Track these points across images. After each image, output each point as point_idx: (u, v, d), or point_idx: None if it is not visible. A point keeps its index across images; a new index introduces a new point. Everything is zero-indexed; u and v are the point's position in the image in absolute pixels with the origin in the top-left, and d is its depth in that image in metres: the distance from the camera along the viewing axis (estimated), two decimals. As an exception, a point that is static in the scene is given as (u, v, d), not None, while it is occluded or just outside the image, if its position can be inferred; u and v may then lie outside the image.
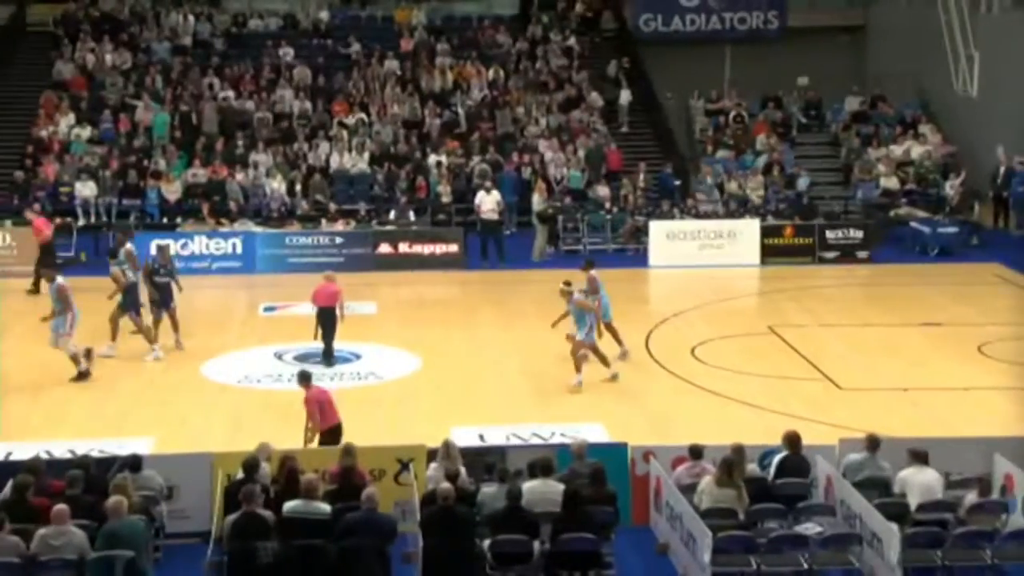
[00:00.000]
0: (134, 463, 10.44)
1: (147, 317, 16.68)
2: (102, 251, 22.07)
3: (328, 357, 16.11)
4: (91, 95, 26.80)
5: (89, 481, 10.03)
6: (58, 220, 22.84)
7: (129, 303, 16.44)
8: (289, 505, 9.66)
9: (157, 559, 10.06)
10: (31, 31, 29.21)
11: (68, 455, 12.03)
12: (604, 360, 15.20)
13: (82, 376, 15.23)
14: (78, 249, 22.26)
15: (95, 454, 11.62)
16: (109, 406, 14.50)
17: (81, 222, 23.57)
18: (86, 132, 25.61)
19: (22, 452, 12.14)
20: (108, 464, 10.78)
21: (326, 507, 9.73)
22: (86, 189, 24.07)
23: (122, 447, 12.30)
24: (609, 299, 16.07)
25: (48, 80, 27.32)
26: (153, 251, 17.74)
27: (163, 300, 16.55)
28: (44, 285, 17.09)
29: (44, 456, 11.64)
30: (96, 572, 9.03)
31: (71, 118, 25.92)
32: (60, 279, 15.42)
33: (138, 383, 15.41)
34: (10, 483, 9.84)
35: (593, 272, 16.02)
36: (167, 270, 16.70)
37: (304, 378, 12.35)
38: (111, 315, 16.46)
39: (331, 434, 12.05)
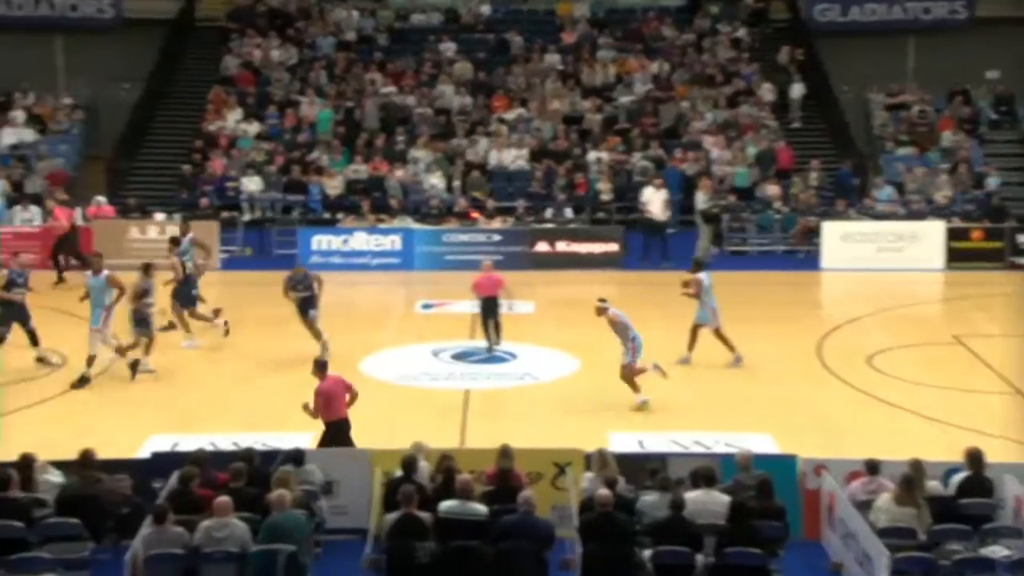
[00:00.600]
0: (297, 457, 10.74)
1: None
2: (266, 246, 22.91)
3: (493, 345, 16.35)
4: (258, 90, 27.77)
5: (252, 474, 10.37)
6: (224, 214, 23.82)
7: (182, 294, 16.75)
8: (445, 505, 9.77)
9: (317, 554, 10.30)
10: (199, 26, 30.47)
11: (232, 447, 12.46)
12: (635, 386, 14.45)
13: (83, 382, 15.01)
14: (243, 244, 23.10)
15: (258, 447, 12.00)
16: (272, 400, 14.98)
17: (246, 217, 24.45)
18: (253, 127, 26.56)
19: (188, 444, 12.66)
20: (271, 457, 11.11)
21: (483, 508, 9.80)
22: (252, 184, 24.96)
23: (284, 441, 12.70)
24: (716, 304, 15.81)
25: (216, 75, 28.44)
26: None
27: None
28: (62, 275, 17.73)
29: (209, 448, 12.06)
30: (258, 565, 9.31)
31: (238, 113, 26.92)
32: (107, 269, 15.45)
33: (299, 378, 15.85)
34: (176, 474, 10.26)
35: (700, 275, 15.81)
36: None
37: (319, 367, 12.38)
38: (172, 307, 16.78)
39: (335, 428, 12.00)
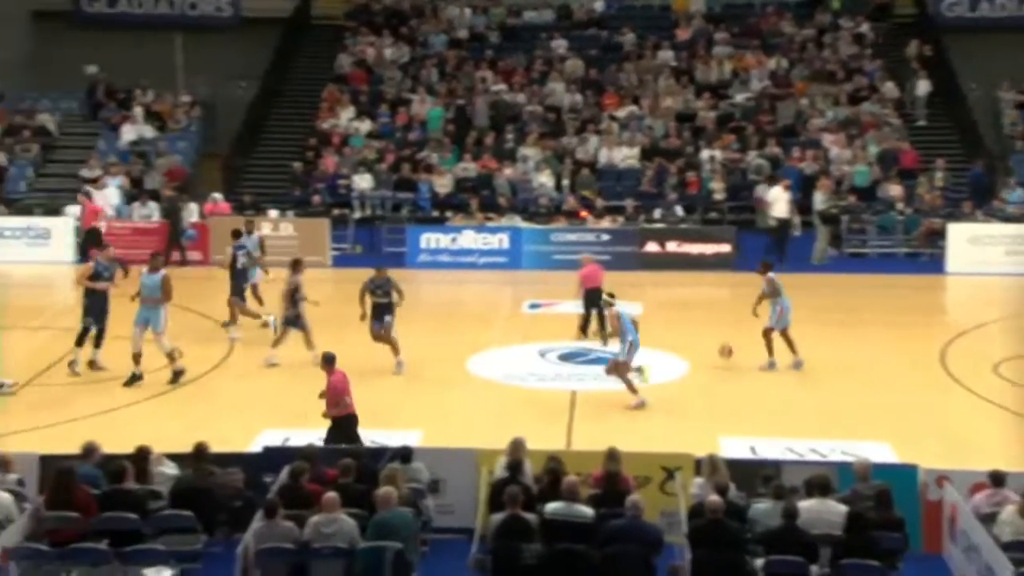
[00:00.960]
0: (405, 454, 10.88)
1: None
2: (376, 244, 23.26)
3: (607, 336, 16.54)
4: (370, 89, 28.20)
5: (361, 470, 10.54)
6: (335, 212, 24.26)
7: (233, 286, 16.95)
8: (552, 507, 9.78)
9: (424, 552, 10.41)
10: (315, 24, 31.07)
11: (341, 443, 12.70)
12: (631, 387, 14.45)
13: (177, 376, 15.24)
14: (354, 241, 23.49)
15: (367, 443, 12.20)
16: (381, 397, 15.21)
17: (357, 215, 24.85)
18: (365, 125, 26.98)
19: (299, 439, 12.93)
20: (379, 454, 11.28)
21: (589, 511, 9.79)
22: (363, 182, 25.36)
23: (392, 438, 12.88)
24: (790, 304, 15.63)
25: (330, 73, 28.96)
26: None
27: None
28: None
29: (318, 444, 12.31)
30: (366, 562, 9.46)
31: (351, 111, 27.37)
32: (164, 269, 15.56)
33: (407, 375, 16.08)
34: (286, 469, 10.48)
35: (771, 275, 15.71)
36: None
37: (327, 361, 12.57)
38: (228, 300, 16.98)
39: (342, 424, 12.25)
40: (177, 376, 15.25)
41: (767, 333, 15.78)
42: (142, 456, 10.65)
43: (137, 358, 15.09)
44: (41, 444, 12.20)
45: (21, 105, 27.06)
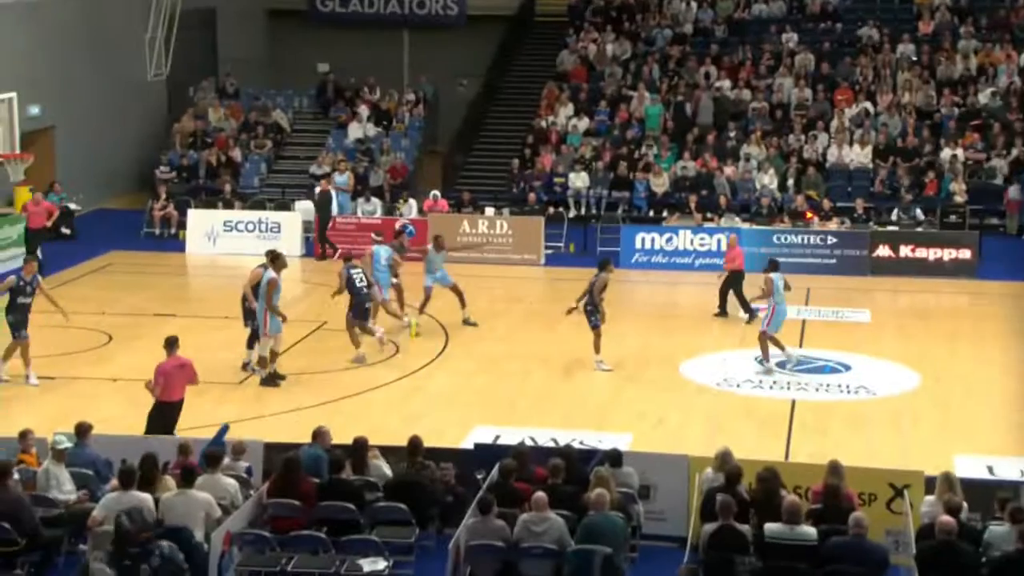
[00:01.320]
0: (615, 457, 10.85)
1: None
2: (590, 243, 23.31)
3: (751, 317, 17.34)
4: (590, 86, 28.30)
5: (570, 471, 10.58)
6: (551, 210, 24.45)
7: (359, 310, 16.29)
8: (772, 529, 9.51)
9: (633, 559, 10.38)
10: (539, 21, 31.41)
11: (551, 443, 12.81)
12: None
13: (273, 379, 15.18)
14: (567, 240, 23.62)
15: (576, 445, 12.25)
16: (591, 398, 15.25)
17: (571, 213, 24.97)
18: (583, 123, 27.09)
19: (509, 437, 13.12)
20: (588, 456, 11.30)
21: (812, 531, 9.50)
22: (578, 180, 25.48)
23: (601, 441, 12.88)
24: (786, 309, 15.73)
25: (551, 71, 29.22)
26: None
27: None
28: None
29: (528, 442, 12.46)
30: (575, 564, 9.49)
31: (570, 109, 27.53)
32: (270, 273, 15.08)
33: (618, 377, 16.05)
34: (497, 466, 10.63)
35: (772, 275, 15.75)
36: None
37: (169, 343, 12.76)
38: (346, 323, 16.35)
39: (168, 409, 12.44)
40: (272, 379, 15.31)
41: (761, 336, 15.72)
42: (360, 447, 11.02)
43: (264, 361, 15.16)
44: (267, 432, 12.82)
45: (256, 102, 28.50)
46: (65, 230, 23.49)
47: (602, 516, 9.64)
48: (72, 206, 23.91)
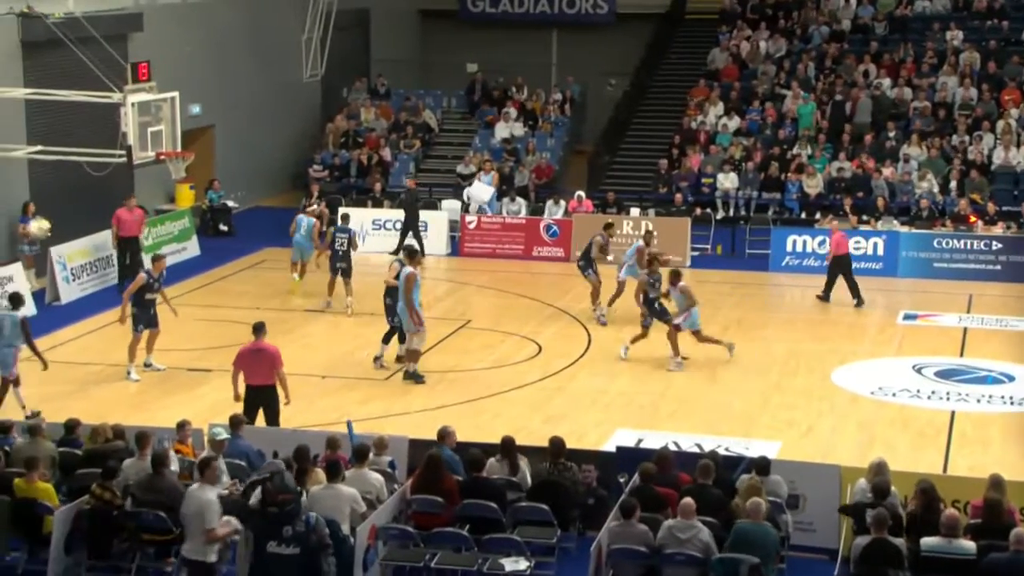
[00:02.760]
0: (762, 466, 10.65)
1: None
2: (737, 246, 22.95)
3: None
4: (742, 84, 27.87)
5: (715, 478, 10.43)
6: (698, 211, 24.17)
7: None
8: (929, 543, 9.21)
9: (781, 570, 10.17)
10: (690, 18, 31.09)
11: (695, 449, 12.66)
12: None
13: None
14: (714, 242, 23.30)
15: (722, 451, 12.07)
16: (737, 404, 15.01)
17: (719, 215, 24.63)
18: (733, 123, 26.69)
19: (652, 441, 13.01)
20: (734, 463, 11.13)
21: (971, 545, 9.17)
22: (727, 181, 25.11)
23: (748, 448, 12.66)
24: (698, 313, 16.05)
25: (702, 69, 28.90)
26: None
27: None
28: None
29: (672, 447, 12.33)
30: (720, 572, 9.35)
31: (720, 108, 27.16)
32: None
33: (765, 383, 15.77)
34: (638, 469, 10.54)
35: (682, 284, 15.99)
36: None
37: (254, 329, 12.93)
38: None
39: (249, 393, 12.66)
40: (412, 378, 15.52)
41: (671, 333, 16.13)
42: (508, 447, 11.07)
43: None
44: (411, 429, 13.02)
45: (407, 102, 29.00)
46: (223, 227, 24.33)
47: (755, 525, 9.47)
48: (230, 203, 24.75)
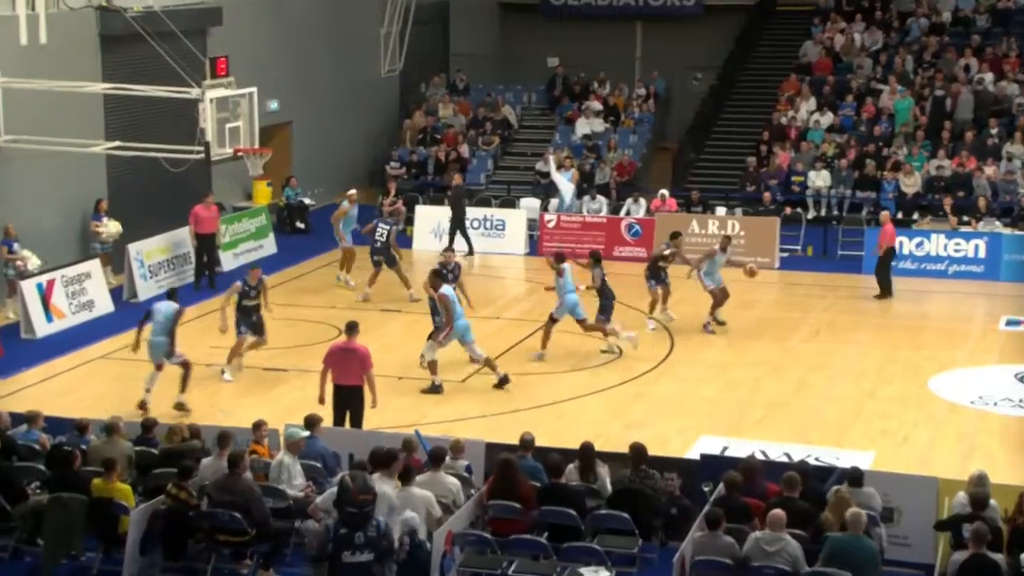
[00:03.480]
0: (855, 477, 10.48)
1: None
2: (829, 246, 22.63)
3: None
4: (835, 79, 27.47)
5: (804, 489, 10.29)
6: (787, 211, 23.87)
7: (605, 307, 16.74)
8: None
9: (875, 586, 10.01)
10: (781, 10, 30.71)
11: (783, 458, 12.51)
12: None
13: (434, 390, 15.27)
14: (805, 243, 23.00)
15: (811, 461, 11.91)
16: (828, 412, 14.80)
17: (810, 214, 24.30)
18: (826, 118, 26.31)
19: (737, 449, 12.89)
20: (825, 474, 10.97)
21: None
22: (819, 179, 24.76)
23: (840, 458, 12.48)
24: (577, 300, 16.26)
25: (793, 63, 28.55)
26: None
27: None
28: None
29: (759, 456, 12.20)
30: (812, 587, 9.22)
31: (812, 103, 26.80)
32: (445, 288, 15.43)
33: (858, 391, 15.53)
34: (723, 479, 10.43)
35: (564, 266, 16.35)
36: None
37: (346, 328, 13.17)
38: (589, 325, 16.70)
39: (337, 393, 12.88)
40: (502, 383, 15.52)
41: (549, 325, 16.44)
42: (586, 453, 11.05)
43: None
44: (488, 432, 13.06)
45: (486, 98, 29.11)
46: (299, 224, 24.66)
47: (853, 538, 9.31)
48: (307, 201, 25.06)
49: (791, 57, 28.76)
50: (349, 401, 12.92)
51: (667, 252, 18.09)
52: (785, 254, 22.47)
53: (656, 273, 18.01)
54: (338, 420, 12.79)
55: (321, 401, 13.02)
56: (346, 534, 8.98)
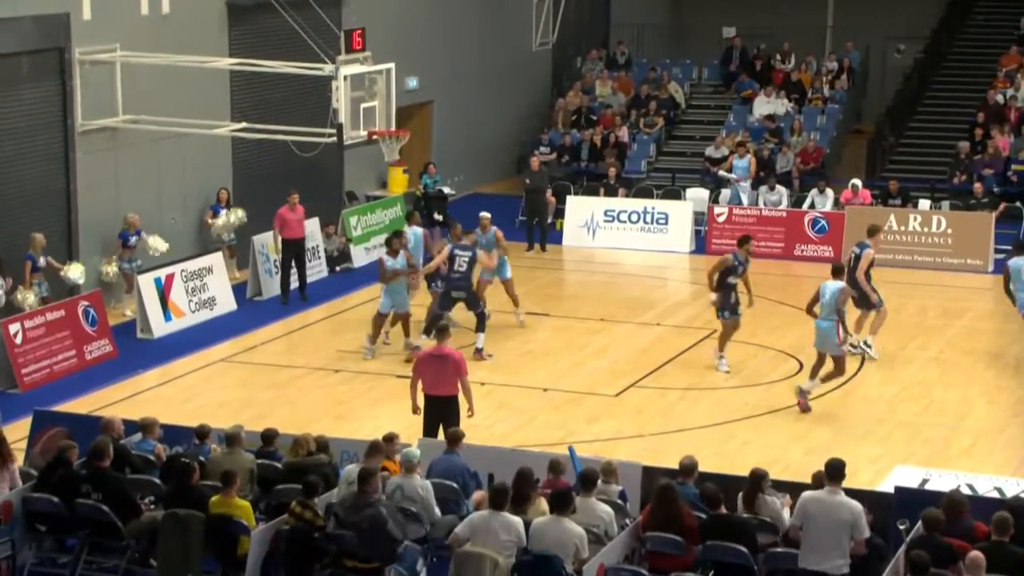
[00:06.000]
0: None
1: None
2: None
3: None
4: (1062, 51, 26.58)
5: (1019, 529, 9.97)
6: (1004, 204, 23.15)
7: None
8: None
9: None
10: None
11: (994, 493, 12.18)
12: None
13: None
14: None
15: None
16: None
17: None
18: (1051, 97, 25.51)
19: (940, 482, 12.61)
20: None
21: None
22: (1046, 166, 24.02)
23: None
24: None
25: (1015, 33, 27.74)
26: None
27: None
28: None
29: (965, 490, 11.90)
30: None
31: (1039, 81, 26.02)
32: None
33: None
34: (922, 516, 10.17)
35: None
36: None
37: (437, 331, 13.45)
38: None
39: (429, 404, 13.09)
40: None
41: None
42: (756, 479, 10.93)
43: None
44: (645, 454, 13.05)
45: (650, 74, 28.99)
46: (438, 216, 24.96)
47: None
48: (446, 190, 25.35)
49: (1012, 27, 28.05)
50: (443, 412, 13.09)
51: (732, 262, 16.29)
52: (1001, 255, 21.78)
53: (728, 297, 16.31)
54: (429, 433, 12.99)
55: (415, 411, 13.32)
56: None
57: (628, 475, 11.51)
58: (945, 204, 23.30)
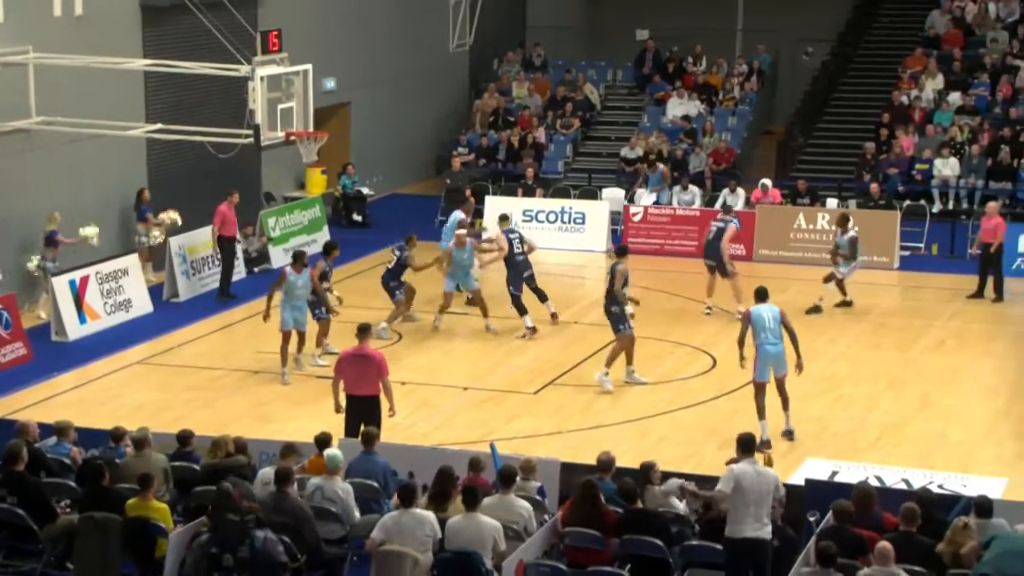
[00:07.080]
0: (983, 507, 10.32)
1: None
2: (957, 244, 22.29)
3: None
4: (966, 54, 27.07)
5: (925, 520, 10.15)
6: (908, 203, 23.54)
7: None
8: None
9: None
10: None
11: (901, 485, 12.36)
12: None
13: None
14: (929, 240, 22.68)
15: (934, 489, 11.76)
16: (954, 434, 14.62)
17: (936, 208, 24.00)
18: (955, 99, 25.94)
19: (849, 474, 12.79)
20: (950, 503, 10.83)
21: None
22: (946, 168, 24.43)
23: (966, 485, 12.31)
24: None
25: (919, 35, 28.21)
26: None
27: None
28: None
29: (873, 482, 12.08)
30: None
31: (939, 81, 26.45)
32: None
33: (990, 409, 15.32)
34: (831, 508, 10.33)
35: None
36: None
37: (359, 330, 13.41)
38: None
39: (351, 404, 13.10)
40: None
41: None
42: (643, 472, 10.99)
43: None
44: (564, 450, 13.09)
45: (566, 75, 29.08)
46: (357, 217, 24.86)
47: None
48: (365, 190, 25.27)
49: (916, 28, 28.47)
50: (365, 412, 13.06)
51: (624, 271, 15.86)
52: (906, 253, 22.20)
53: (618, 305, 15.88)
54: (350, 433, 12.94)
55: (338, 410, 13.31)
56: (216, 555, 9.00)
57: (547, 472, 11.56)
58: (852, 203, 23.63)
